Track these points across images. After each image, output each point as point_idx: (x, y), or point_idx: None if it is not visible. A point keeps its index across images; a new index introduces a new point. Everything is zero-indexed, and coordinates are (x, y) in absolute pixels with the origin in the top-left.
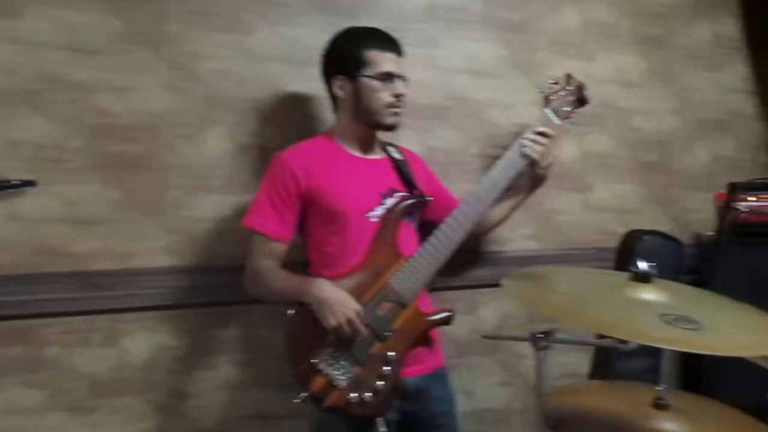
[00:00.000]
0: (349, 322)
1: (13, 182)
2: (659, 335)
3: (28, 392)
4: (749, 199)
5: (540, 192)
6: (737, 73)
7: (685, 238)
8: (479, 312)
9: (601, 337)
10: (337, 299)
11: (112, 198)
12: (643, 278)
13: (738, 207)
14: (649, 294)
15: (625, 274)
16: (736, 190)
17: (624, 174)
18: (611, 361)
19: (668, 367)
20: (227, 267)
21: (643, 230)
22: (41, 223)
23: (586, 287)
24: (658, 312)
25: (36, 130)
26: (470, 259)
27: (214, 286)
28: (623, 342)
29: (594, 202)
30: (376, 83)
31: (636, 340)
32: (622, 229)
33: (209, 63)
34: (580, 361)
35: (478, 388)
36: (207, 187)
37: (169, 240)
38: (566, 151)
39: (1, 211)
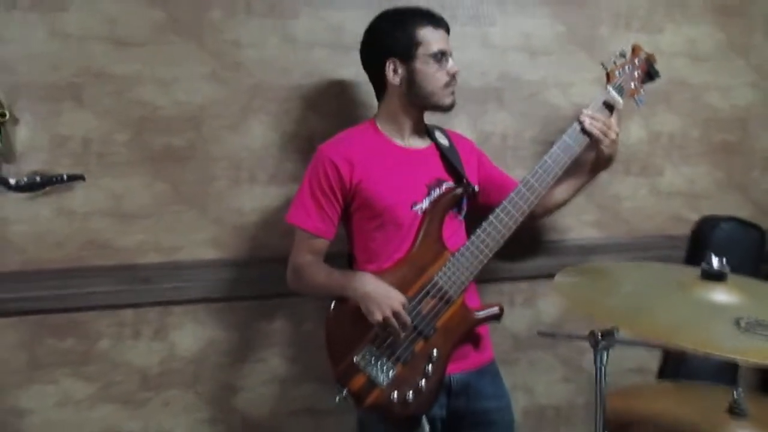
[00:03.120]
0: (396, 314)
1: (62, 177)
2: (734, 345)
3: (80, 384)
4: None
5: (603, 176)
6: None
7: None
8: (539, 304)
9: None
10: (382, 292)
11: (157, 191)
12: (715, 276)
13: None
14: (722, 295)
15: (695, 271)
16: None
17: (697, 156)
18: (684, 357)
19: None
20: (274, 259)
21: (719, 217)
22: (89, 217)
23: (649, 286)
24: (732, 316)
25: (82, 124)
26: (529, 249)
27: (260, 279)
28: None
29: (663, 186)
30: (432, 63)
31: (707, 351)
32: (695, 216)
33: (252, 51)
34: (650, 356)
35: (539, 384)
36: (252, 179)
37: (215, 232)
38: (632, 132)
39: (51, 205)
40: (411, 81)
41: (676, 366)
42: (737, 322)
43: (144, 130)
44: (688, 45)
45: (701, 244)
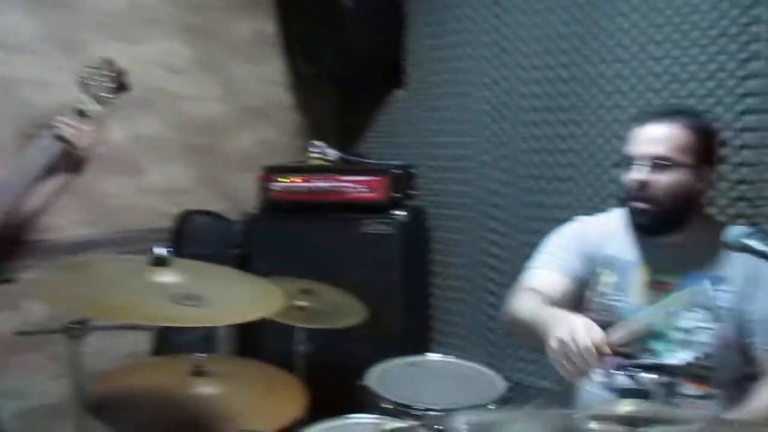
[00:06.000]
0: None
1: None
2: (164, 315)
3: None
4: (281, 180)
5: (90, 177)
6: (275, 67)
7: (235, 215)
8: (26, 305)
9: None
10: None
11: None
12: (160, 262)
13: (273, 187)
14: (165, 276)
15: (145, 259)
16: (271, 171)
17: (174, 156)
18: (168, 336)
19: (224, 333)
20: None
21: (194, 210)
22: None
23: (111, 275)
24: (169, 293)
25: None
26: (13, 251)
27: None
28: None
29: (146, 184)
30: None
31: (147, 322)
32: (176, 210)
33: None
34: (143, 340)
35: (32, 386)
36: None
37: None
38: (115, 134)
39: None
40: None
41: (163, 343)
42: (172, 297)
43: None
44: (163, 58)
45: (180, 236)
